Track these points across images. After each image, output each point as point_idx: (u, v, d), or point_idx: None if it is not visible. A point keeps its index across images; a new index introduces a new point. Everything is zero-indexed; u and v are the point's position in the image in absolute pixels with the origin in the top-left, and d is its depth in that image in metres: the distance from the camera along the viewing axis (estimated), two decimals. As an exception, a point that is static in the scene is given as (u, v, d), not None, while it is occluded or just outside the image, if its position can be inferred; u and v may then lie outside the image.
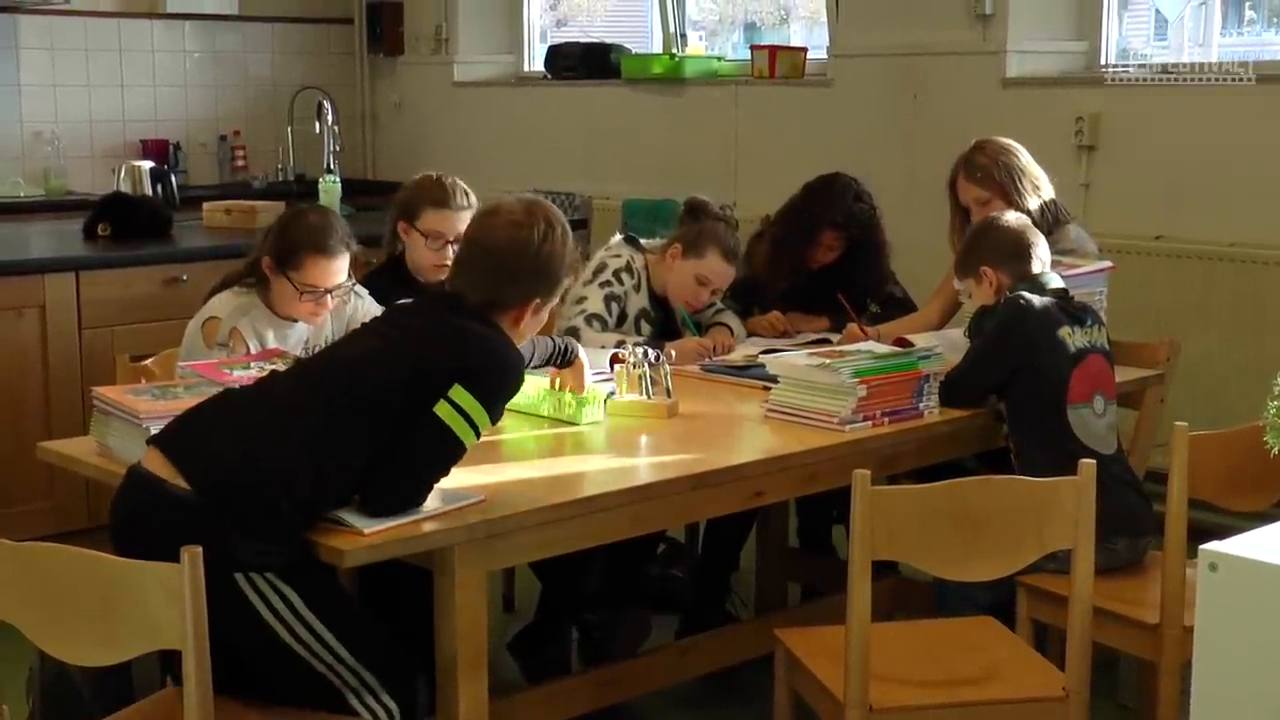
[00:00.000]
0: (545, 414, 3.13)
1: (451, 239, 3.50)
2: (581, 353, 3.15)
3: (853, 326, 3.81)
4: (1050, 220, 3.71)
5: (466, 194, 3.61)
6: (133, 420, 2.73)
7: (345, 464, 2.42)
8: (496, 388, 2.51)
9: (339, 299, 3.35)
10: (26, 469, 4.07)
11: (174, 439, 2.48)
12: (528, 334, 2.71)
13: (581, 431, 3.07)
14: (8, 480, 4.29)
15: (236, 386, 2.65)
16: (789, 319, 4.08)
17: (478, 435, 2.49)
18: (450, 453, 2.48)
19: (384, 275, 3.61)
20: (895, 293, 4.16)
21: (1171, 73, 4.96)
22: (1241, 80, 4.73)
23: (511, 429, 3.06)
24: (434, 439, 2.44)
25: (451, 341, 2.50)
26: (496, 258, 2.61)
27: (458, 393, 2.43)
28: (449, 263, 3.26)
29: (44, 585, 2.16)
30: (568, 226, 2.69)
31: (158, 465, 2.43)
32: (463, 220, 3.41)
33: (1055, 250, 3.50)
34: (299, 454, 2.40)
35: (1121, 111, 5.02)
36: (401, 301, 2.82)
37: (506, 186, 6.20)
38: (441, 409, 2.43)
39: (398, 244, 3.66)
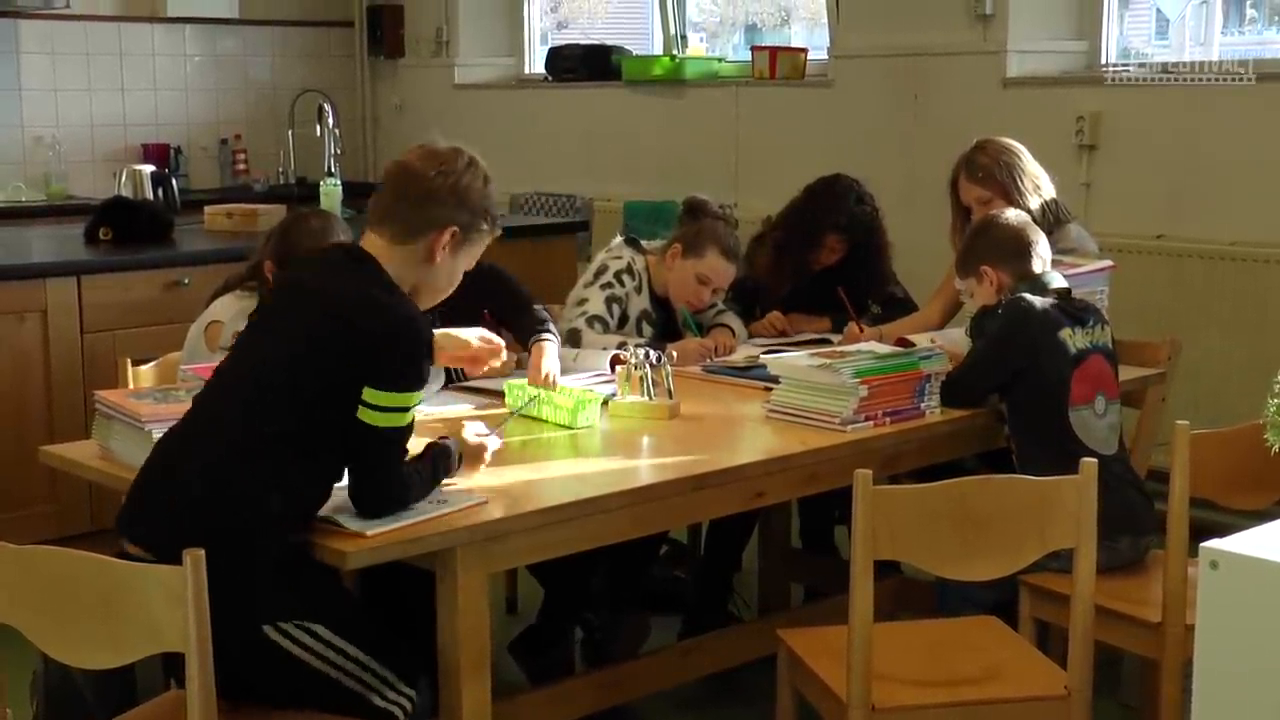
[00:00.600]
0: (541, 418, 3.14)
1: None
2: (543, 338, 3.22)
3: (852, 326, 3.82)
4: (1051, 219, 3.71)
5: None
6: (135, 423, 2.73)
7: (308, 450, 2.40)
8: (403, 370, 2.44)
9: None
10: (29, 473, 4.06)
11: (138, 526, 2.43)
12: (445, 274, 2.60)
13: (583, 433, 3.07)
14: (10, 484, 4.29)
15: (169, 431, 2.56)
16: (790, 320, 4.09)
17: (413, 406, 2.46)
18: (395, 442, 2.45)
19: None
20: (896, 293, 4.17)
21: (1172, 72, 4.96)
22: (1242, 80, 4.73)
23: (513, 432, 3.06)
24: (374, 441, 2.41)
25: (345, 338, 2.41)
26: (416, 181, 2.54)
27: (370, 395, 2.39)
28: None
29: (46, 588, 2.16)
30: (491, 177, 2.63)
31: (140, 553, 2.37)
32: None
33: (1056, 250, 3.50)
34: (256, 459, 2.38)
35: (1122, 111, 5.02)
36: (296, 261, 2.85)
37: (507, 188, 6.23)
38: (365, 415, 2.39)
39: None
